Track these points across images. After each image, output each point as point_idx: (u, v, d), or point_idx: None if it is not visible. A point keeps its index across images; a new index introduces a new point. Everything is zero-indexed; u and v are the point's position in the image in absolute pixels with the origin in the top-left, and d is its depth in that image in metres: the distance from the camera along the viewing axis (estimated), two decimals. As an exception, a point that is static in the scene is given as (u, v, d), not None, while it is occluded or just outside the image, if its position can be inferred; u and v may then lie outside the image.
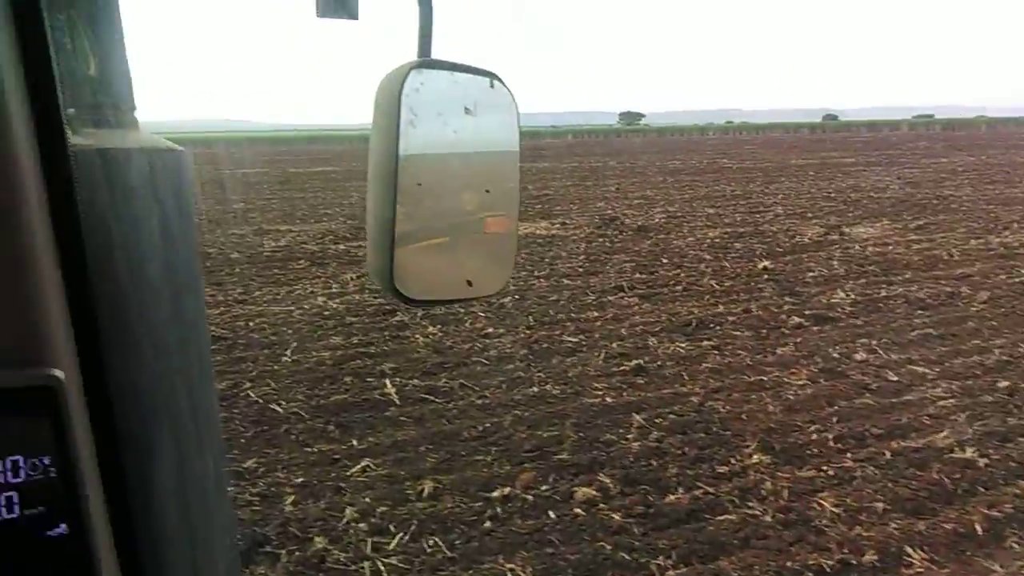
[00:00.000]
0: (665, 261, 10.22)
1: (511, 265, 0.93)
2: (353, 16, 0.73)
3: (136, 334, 0.54)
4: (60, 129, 0.45)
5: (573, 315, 7.63)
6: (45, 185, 0.44)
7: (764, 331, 6.93)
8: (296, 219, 15.25)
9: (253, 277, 9.71)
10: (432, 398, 5.48)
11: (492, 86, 0.81)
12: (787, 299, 8.02)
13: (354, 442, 4.80)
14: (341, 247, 11.83)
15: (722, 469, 4.33)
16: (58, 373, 0.44)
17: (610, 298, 8.27)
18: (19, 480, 0.43)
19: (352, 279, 9.43)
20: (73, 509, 0.45)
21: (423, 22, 0.72)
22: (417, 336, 6.95)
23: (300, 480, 4.28)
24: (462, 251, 0.86)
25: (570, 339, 6.78)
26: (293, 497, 4.11)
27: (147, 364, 0.55)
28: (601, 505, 3.93)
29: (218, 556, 0.74)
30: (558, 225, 13.49)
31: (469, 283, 0.85)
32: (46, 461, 0.44)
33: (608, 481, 4.16)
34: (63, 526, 0.44)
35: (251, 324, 7.51)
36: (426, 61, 0.73)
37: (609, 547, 3.54)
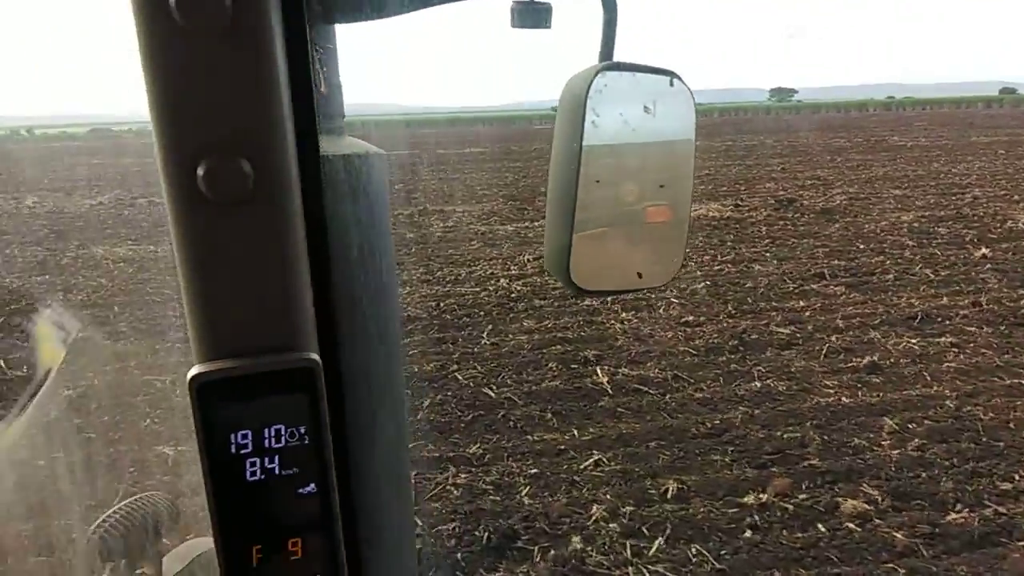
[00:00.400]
0: (862, 247, 9.41)
1: (680, 257, 0.94)
2: (547, 25, 0.75)
3: (364, 324, 0.60)
4: (315, 141, 0.51)
5: (775, 304, 7.12)
6: (301, 191, 0.50)
7: (1005, 327, 6.16)
8: (456, 199, 15.38)
9: (431, 257, 9.79)
10: (646, 389, 5.21)
11: (672, 84, 0.84)
12: (1023, 292, 7.13)
13: (575, 432, 4.60)
14: (509, 228, 11.76)
15: (1005, 486, 3.79)
16: (315, 356, 0.51)
17: (812, 286, 7.67)
18: (280, 445, 0.50)
19: (529, 260, 9.30)
20: (320, 472, 0.51)
21: (607, 27, 0.76)
22: (612, 322, 6.69)
23: (532, 471, 4.13)
24: (634, 244, 0.89)
25: (780, 330, 6.30)
26: (528, 488, 3.96)
27: (374, 351, 0.62)
28: (876, 521, 3.52)
29: (410, 521, 0.79)
30: (730, 207, 12.82)
31: (639, 275, 0.89)
32: (302, 430, 0.50)
33: (875, 493, 3.73)
34: (312, 485, 0.51)
35: (441, 305, 7.51)
36: (610, 64, 0.76)
37: (903, 572, 3.14)
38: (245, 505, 0.50)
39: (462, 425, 4.78)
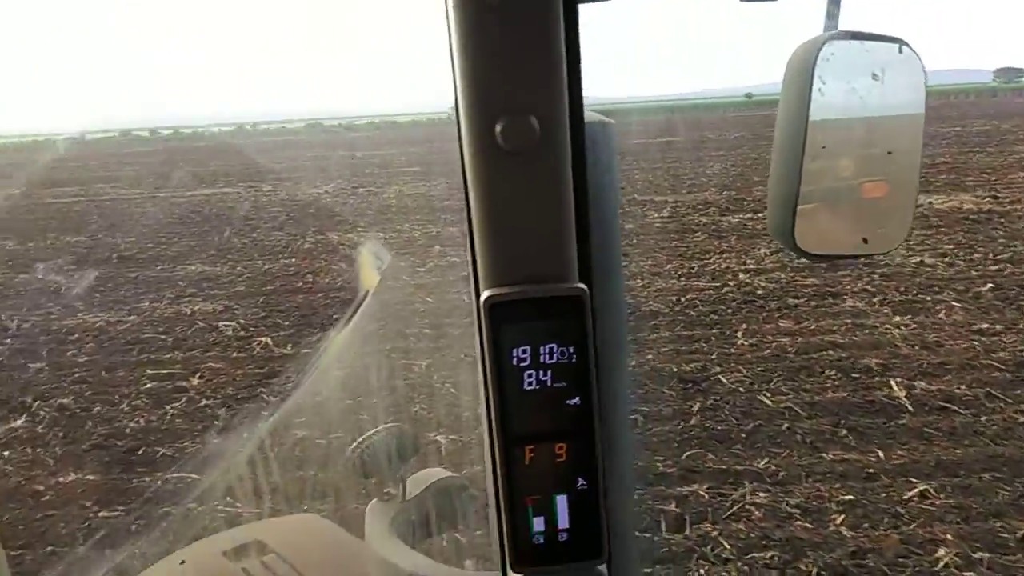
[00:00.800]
0: None
1: (908, 225, 0.90)
2: None
3: (607, 266, 0.68)
4: (581, 106, 0.59)
5: (1088, 313, 6.05)
6: (570, 151, 0.58)
7: None
8: (665, 189, 14.82)
9: (655, 249, 9.37)
10: (955, 408, 4.51)
11: (900, 51, 0.81)
12: None
13: (880, 454, 4.04)
14: (733, 219, 11.08)
15: None
16: (583, 286, 0.59)
17: None
18: (552, 362, 0.58)
19: (767, 255, 8.64)
20: (584, 387, 0.59)
21: None
22: (887, 326, 5.96)
23: (844, 497, 3.64)
24: (860, 210, 0.87)
25: (1109, 345, 5.30)
26: (844, 517, 3.48)
27: (616, 289, 0.70)
28: None
29: (631, 447, 0.83)
30: (987, 199, 11.32)
31: (864, 240, 0.86)
32: (571, 350, 0.58)
33: None
34: (577, 399, 0.59)
35: (682, 300, 7.10)
36: (837, 32, 0.76)
37: None
38: (522, 410, 0.58)
39: (743, 435, 4.36)
